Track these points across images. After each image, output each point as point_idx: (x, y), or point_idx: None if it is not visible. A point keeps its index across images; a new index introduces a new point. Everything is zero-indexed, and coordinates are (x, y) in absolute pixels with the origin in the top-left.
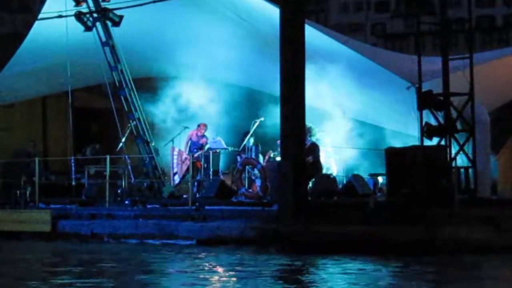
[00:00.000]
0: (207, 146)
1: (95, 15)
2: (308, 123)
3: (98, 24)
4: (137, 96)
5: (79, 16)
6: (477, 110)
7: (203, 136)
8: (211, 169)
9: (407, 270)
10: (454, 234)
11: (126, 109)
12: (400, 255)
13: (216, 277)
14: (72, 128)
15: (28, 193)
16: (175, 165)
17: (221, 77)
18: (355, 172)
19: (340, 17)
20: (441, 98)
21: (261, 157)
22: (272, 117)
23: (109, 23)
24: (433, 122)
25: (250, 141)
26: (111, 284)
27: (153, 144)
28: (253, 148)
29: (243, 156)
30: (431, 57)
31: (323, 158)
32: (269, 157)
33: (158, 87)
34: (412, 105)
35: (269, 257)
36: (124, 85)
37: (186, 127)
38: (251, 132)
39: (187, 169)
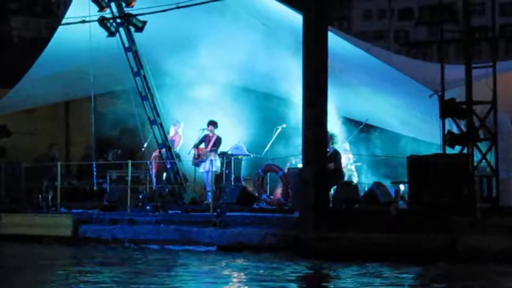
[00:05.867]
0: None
1: (118, 20)
2: (330, 130)
3: (121, 29)
4: (159, 101)
5: (102, 21)
6: (500, 118)
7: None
8: (233, 175)
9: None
10: (476, 242)
11: (148, 114)
12: (421, 263)
13: (238, 283)
14: (94, 133)
15: (50, 197)
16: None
17: (243, 83)
18: (376, 180)
19: (363, 24)
20: (464, 106)
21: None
22: (293, 123)
23: (132, 29)
24: (455, 130)
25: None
26: None
27: (175, 150)
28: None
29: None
30: (454, 65)
31: (344, 166)
32: (291, 163)
33: (179, 92)
34: (434, 113)
35: (290, 263)
36: (147, 91)
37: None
38: (273, 138)
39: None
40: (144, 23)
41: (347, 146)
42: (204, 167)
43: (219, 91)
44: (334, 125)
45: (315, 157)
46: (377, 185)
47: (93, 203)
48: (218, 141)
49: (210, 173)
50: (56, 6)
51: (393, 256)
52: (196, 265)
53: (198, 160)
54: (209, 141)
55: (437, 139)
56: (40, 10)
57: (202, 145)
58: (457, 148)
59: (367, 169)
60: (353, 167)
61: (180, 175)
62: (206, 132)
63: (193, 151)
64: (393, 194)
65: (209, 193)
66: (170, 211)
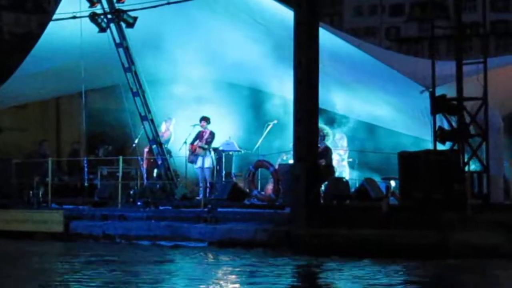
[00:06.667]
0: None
1: (109, 16)
2: (321, 126)
3: (112, 25)
4: (150, 97)
5: (93, 17)
6: (491, 114)
7: None
8: (224, 171)
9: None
10: (467, 238)
11: (140, 110)
12: (413, 259)
13: (231, 280)
14: (85, 129)
15: (41, 193)
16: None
17: (234, 79)
18: (367, 176)
19: (354, 20)
20: (455, 102)
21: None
22: (284, 119)
23: (123, 24)
24: (446, 126)
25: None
26: None
27: (166, 146)
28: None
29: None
30: (445, 61)
31: (335, 162)
32: (282, 159)
33: (169, 88)
34: (425, 109)
35: (281, 259)
36: (138, 87)
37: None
38: (264, 134)
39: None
40: (135, 19)
41: (344, 142)
42: (199, 163)
43: (209, 87)
44: (323, 121)
45: (306, 153)
46: (368, 181)
47: (84, 199)
48: (211, 136)
49: (204, 169)
50: (47, 2)
51: (385, 252)
52: (185, 261)
53: (193, 156)
54: (203, 137)
55: (427, 135)
56: (31, 6)
57: (197, 142)
58: (448, 144)
59: (358, 165)
60: (344, 163)
61: (171, 171)
62: (199, 128)
63: (185, 147)
64: (384, 190)
65: (202, 189)
66: (161, 207)
